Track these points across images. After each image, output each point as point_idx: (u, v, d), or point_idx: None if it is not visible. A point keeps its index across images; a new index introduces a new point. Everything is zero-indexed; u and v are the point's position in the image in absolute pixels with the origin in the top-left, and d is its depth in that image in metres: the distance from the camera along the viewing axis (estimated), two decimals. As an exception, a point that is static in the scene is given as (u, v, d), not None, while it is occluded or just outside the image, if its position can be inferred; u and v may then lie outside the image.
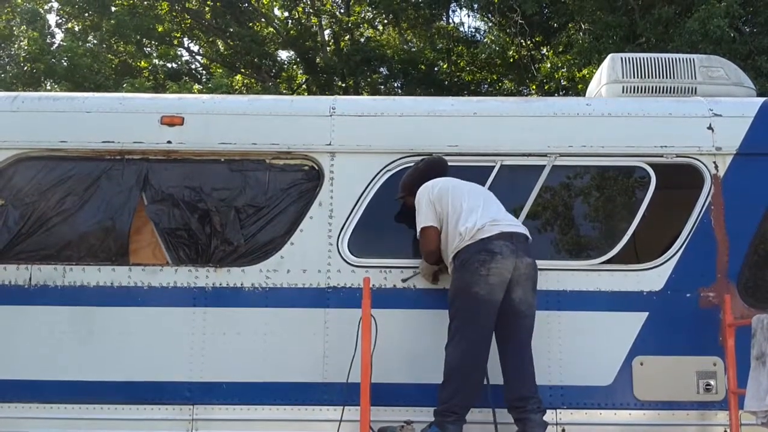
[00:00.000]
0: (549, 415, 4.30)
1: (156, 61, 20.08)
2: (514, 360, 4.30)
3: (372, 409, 4.11)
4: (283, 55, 21.22)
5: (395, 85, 19.54)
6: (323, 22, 20.04)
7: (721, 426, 4.46)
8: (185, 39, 20.85)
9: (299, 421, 4.51)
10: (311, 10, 19.85)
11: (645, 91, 5.18)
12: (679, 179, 4.87)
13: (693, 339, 4.57)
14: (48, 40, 17.57)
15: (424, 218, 4.50)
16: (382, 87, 19.54)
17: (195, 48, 21.48)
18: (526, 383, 4.25)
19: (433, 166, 4.72)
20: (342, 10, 20.33)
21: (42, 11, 18.32)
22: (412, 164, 4.79)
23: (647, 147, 4.82)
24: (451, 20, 19.79)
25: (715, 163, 4.77)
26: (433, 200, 4.49)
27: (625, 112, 4.92)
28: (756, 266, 4.79)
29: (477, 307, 4.26)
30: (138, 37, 18.43)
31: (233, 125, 4.92)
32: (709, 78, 5.20)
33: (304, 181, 4.88)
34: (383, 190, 4.80)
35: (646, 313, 4.59)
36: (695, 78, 5.19)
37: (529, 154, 4.84)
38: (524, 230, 4.45)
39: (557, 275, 4.64)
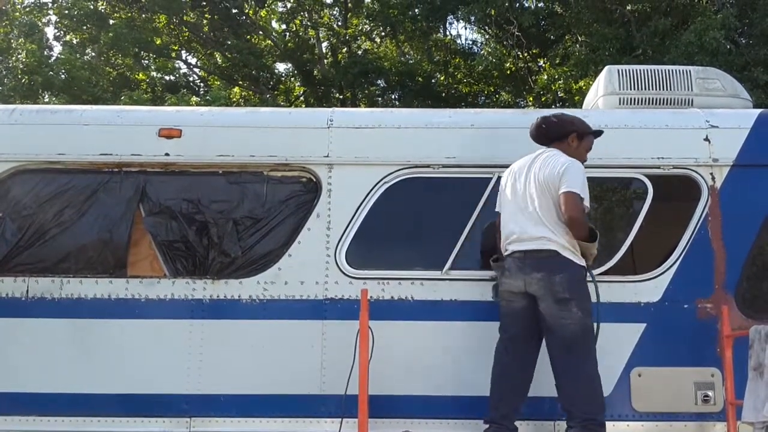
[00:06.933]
0: (547, 427, 4.28)
1: (154, 73, 20.15)
2: (554, 373, 4.26)
3: (370, 421, 4.11)
4: (281, 67, 21.34)
5: (393, 97, 19.57)
6: (321, 35, 20.10)
7: (720, 437, 4.45)
8: (183, 52, 20.89)
9: (297, 433, 4.50)
10: (309, 23, 19.90)
11: (642, 103, 5.19)
12: (677, 191, 4.88)
13: (691, 350, 4.56)
14: (46, 53, 17.62)
15: (581, 189, 4.30)
16: (380, 99, 19.57)
17: (193, 60, 21.55)
18: (561, 396, 4.23)
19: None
20: (339, 23, 20.39)
21: (40, 24, 18.38)
22: (409, 176, 4.80)
23: (644, 158, 4.82)
24: (448, 33, 19.85)
25: (712, 174, 4.78)
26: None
27: (622, 124, 4.93)
28: (754, 277, 4.80)
29: (500, 319, 4.39)
30: (136, 50, 18.44)
31: (231, 137, 4.93)
32: (705, 90, 5.21)
33: (301, 193, 4.88)
34: (381, 201, 4.79)
35: (644, 325, 4.58)
36: (692, 90, 5.20)
37: (527, 166, 4.84)
38: (541, 245, 4.27)
39: (555, 286, 4.63)
